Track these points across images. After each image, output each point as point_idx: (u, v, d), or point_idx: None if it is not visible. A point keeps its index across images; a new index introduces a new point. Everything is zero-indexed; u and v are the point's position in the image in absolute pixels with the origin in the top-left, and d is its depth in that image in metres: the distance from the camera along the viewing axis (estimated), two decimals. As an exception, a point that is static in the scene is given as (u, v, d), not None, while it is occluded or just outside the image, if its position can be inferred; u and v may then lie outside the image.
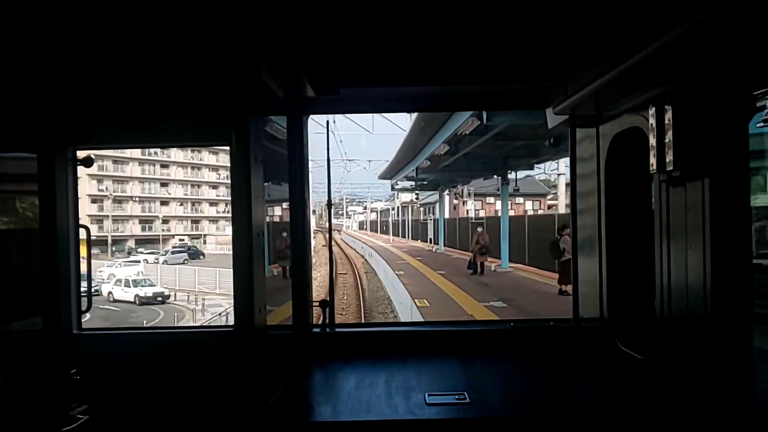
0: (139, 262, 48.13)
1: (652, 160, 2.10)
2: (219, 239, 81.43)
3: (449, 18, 2.52)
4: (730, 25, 1.65)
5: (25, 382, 2.54)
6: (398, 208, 68.03)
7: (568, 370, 3.12)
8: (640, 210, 2.68)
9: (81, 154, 3.13)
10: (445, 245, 37.03)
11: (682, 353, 2.07)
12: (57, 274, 2.89)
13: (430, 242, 40.77)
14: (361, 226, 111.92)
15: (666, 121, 2.01)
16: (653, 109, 2.08)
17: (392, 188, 40.34)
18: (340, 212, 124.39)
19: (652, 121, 2.09)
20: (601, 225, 2.86)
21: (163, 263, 56.18)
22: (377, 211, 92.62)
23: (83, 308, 3.14)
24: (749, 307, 1.87)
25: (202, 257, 65.40)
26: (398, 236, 62.28)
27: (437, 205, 39.01)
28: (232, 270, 2.48)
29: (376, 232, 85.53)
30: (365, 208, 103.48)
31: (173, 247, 67.16)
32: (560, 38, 2.69)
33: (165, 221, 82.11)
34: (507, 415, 2.49)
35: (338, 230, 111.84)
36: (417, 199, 41.46)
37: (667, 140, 2.00)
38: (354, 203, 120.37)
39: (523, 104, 3.49)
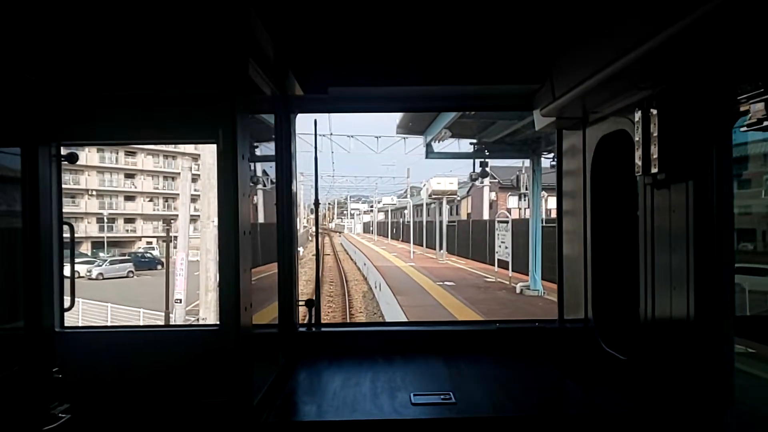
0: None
1: (638, 162, 2.16)
2: (193, 243, 67.78)
3: (439, 18, 2.67)
4: (715, 30, 1.66)
5: (6, 380, 2.52)
6: (423, 204, 45.61)
7: (552, 370, 3.14)
8: (625, 212, 2.78)
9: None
10: (542, 278, 18.08)
11: (665, 354, 2.17)
12: (40, 272, 2.87)
13: (497, 266, 21.95)
14: (366, 228, 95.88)
15: (651, 124, 2.09)
16: (639, 111, 2.16)
17: (427, 154, 18.99)
18: (344, 212, 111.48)
19: (637, 123, 2.16)
20: (586, 226, 3.00)
21: (97, 277, 41.94)
22: (387, 211, 76.20)
23: (66, 306, 3.24)
24: (731, 309, 1.92)
25: (159, 267, 51.11)
26: (421, 245, 44.09)
27: (467, 201, 21.92)
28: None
29: (386, 236, 69.32)
30: (371, 206, 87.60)
31: (120, 255, 52.59)
32: (548, 40, 2.81)
33: (129, 220, 69.20)
34: (492, 415, 2.50)
35: (339, 232, 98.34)
36: (482, 175, 18.44)
37: (652, 143, 2.08)
38: (360, 201, 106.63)
39: (512, 105, 3.59)
